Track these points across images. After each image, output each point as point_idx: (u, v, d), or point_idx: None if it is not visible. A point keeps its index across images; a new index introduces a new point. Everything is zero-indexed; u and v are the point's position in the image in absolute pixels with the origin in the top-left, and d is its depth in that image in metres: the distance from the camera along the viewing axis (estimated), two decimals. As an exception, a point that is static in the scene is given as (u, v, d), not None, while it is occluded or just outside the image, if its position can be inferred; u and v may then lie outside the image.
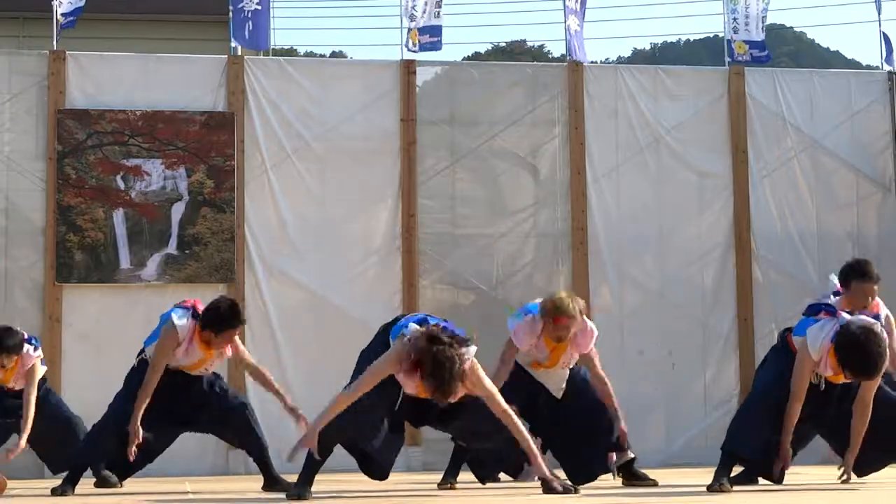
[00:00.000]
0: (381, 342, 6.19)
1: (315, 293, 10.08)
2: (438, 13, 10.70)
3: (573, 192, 10.57)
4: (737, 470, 6.62)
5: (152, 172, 10.05)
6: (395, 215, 10.34)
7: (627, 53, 46.85)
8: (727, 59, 11.06)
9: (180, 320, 6.98)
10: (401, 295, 10.13)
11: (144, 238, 9.98)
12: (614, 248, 10.56)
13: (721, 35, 11.47)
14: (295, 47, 22.38)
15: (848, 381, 6.35)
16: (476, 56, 28.82)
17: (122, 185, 10.01)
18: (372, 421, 6.08)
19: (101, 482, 7.25)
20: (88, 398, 8.54)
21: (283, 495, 6.24)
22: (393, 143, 10.40)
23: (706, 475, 6.62)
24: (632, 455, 7.14)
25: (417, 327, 5.88)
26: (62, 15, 10.14)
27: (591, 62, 11.12)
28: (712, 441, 8.53)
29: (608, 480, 7.07)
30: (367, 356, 6.17)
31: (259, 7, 10.49)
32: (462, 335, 5.84)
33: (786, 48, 38.74)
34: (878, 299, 7.20)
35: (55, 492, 6.89)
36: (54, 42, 10.10)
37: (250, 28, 10.49)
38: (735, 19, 11.08)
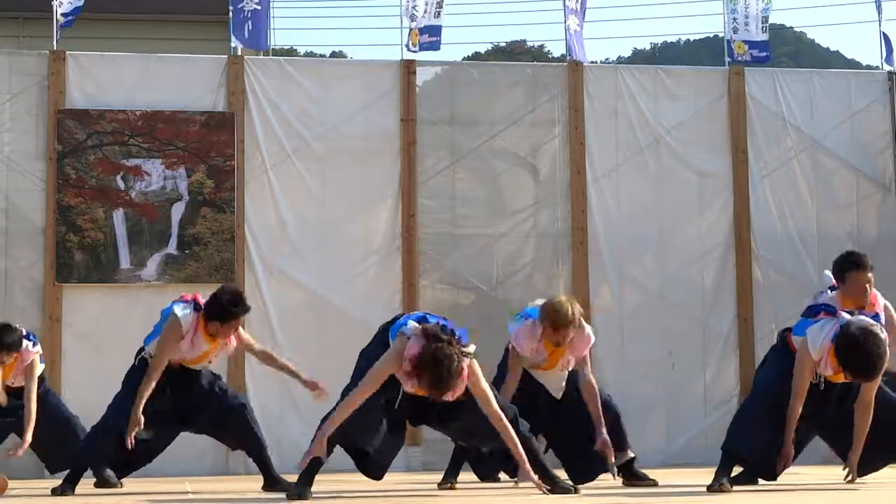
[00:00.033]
0: (380, 342, 6.19)
1: (315, 293, 10.08)
2: (439, 13, 10.70)
3: (573, 192, 10.57)
4: (737, 470, 6.62)
5: (152, 172, 10.05)
6: (395, 215, 10.34)
7: (627, 53, 46.85)
8: (727, 59, 11.06)
9: (183, 312, 6.98)
10: (401, 295, 10.13)
11: (144, 238, 9.98)
12: (614, 248, 10.56)
13: (721, 35, 11.47)
14: (295, 47, 22.38)
15: (848, 381, 6.35)
16: (476, 56, 28.80)
17: (122, 185, 10.01)
18: (371, 420, 6.09)
19: (102, 482, 7.25)
20: (88, 398, 8.55)
21: (283, 495, 6.24)
22: (393, 143, 10.40)
23: (706, 475, 6.62)
24: (632, 455, 7.14)
25: (417, 325, 5.90)
26: (62, 15, 10.14)
27: (591, 62, 11.12)
28: (712, 441, 8.53)
29: (608, 480, 7.06)
30: (367, 356, 6.18)
31: (258, 7, 10.50)
32: (461, 333, 5.85)
33: (786, 48, 38.73)
34: (875, 290, 7.19)
35: (55, 492, 6.90)
36: (54, 42, 10.11)
37: (250, 28, 10.49)
38: (735, 19, 11.07)
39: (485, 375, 6.08)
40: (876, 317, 6.69)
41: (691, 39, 38.15)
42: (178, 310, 7.00)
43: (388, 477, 6.39)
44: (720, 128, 10.86)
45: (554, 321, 6.75)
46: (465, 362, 5.77)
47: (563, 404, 7.08)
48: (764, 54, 11.09)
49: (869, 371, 6.11)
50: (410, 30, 10.64)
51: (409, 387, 5.91)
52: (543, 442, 6.84)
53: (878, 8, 11.36)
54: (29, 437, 7.84)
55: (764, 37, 11.09)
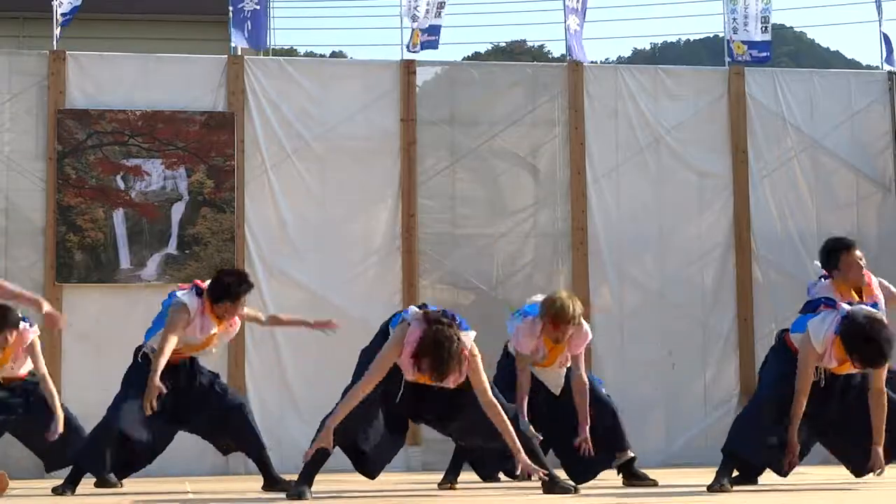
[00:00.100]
0: (381, 339, 6.20)
1: (315, 293, 10.07)
2: (440, 13, 10.70)
3: (573, 192, 10.57)
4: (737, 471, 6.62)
5: (152, 172, 10.05)
6: (395, 215, 10.34)
7: (627, 53, 46.86)
8: (727, 59, 11.06)
9: (186, 296, 6.99)
10: (401, 295, 10.13)
11: (144, 238, 9.98)
12: (614, 248, 10.56)
13: (721, 35, 11.47)
14: (295, 47, 22.37)
15: (854, 371, 6.34)
16: (476, 56, 28.78)
17: (122, 185, 10.01)
18: (369, 419, 6.09)
19: (102, 482, 7.24)
20: (88, 398, 8.56)
21: (283, 495, 6.24)
22: (393, 143, 10.40)
23: (706, 475, 6.62)
24: (632, 455, 7.14)
25: (417, 310, 5.95)
26: (62, 15, 10.15)
27: (591, 62, 11.11)
28: (712, 441, 8.54)
29: (608, 480, 7.07)
30: (369, 355, 6.19)
31: (258, 7, 10.50)
32: (462, 321, 5.89)
33: (786, 48, 38.71)
34: (866, 270, 7.21)
35: (56, 491, 6.92)
36: (54, 42, 10.11)
37: (249, 28, 10.49)
38: (734, 19, 11.07)
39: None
40: (875, 305, 6.70)
41: (691, 39, 38.15)
42: (182, 295, 7.01)
43: (387, 477, 6.40)
44: (720, 128, 10.85)
45: (554, 318, 6.77)
46: (466, 346, 5.80)
47: (562, 401, 7.08)
48: (764, 54, 11.08)
49: (878, 357, 6.10)
50: (412, 30, 10.62)
51: (411, 374, 5.93)
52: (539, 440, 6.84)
53: (878, 8, 11.35)
54: (60, 412, 7.86)
55: (765, 37, 11.08)
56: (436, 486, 7.19)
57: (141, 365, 7.11)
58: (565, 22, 10.78)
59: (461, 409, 6.18)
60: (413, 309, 6.04)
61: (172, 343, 6.92)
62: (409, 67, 10.50)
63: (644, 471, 7.17)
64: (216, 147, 10.10)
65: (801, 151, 10.94)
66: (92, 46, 10.82)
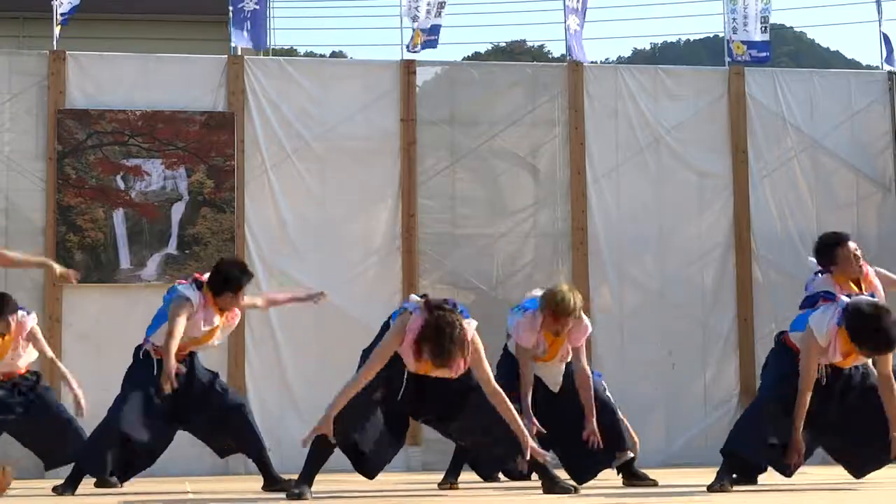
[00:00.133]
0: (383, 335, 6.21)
1: (315, 293, 10.07)
2: (440, 13, 10.70)
3: (573, 192, 10.57)
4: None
5: (152, 172, 10.05)
6: (395, 215, 10.34)
7: (627, 53, 46.85)
8: (727, 59, 11.06)
9: (188, 290, 6.99)
10: (401, 295, 10.11)
11: (144, 238, 9.98)
12: (614, 248, 10.56)
13: (721, 35, 11.47)
14: (295, 47, 22.36)
15: (859, 362, 6.33)
16: (476, 56, 28.78)
17: (122, 185, 10.01)
18: (368, 418, 6.09)
19: (102, 482, 7.25)
20: (88, 398, 8.54)
21: (283, 495, 6.23)
22: (393, 143, 10.40)
23: (706, 475, 6.62)
24: (631, 455, 7.14)
25: (418, 298, 5.96)
26: (61, 14, 10.15)
27: (591, 62, 11.11)
28: (712, 441, 8.55)
29: (608, 480, 7.07)
30: (370, 352, 6.20)
31: (258, 7, 10.50)
32: (463, 310, 5.90)
33: (786, 48, 38.72)
34: (863, 261, 7.22)
35: (56, 490, 6.92)
36: (54, 42, 10.11)
37: (249, 28, 10.49)
38: (734, 19, 11.07)
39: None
40: (872, 295, 6.70)
41: (691, 39, 38.13)
42: (183, 289, 7.01)
43: (387, 477, 6.40)
44: (720, 128, 10.85)
45: (555, 311, 6.78)
46: (468, 332, 5.81)
47: (561, 399, 7.08)
48: (764, 54, 11.08)
49: (886, 344, 6.10)
50: (414, 31, 10.61)
51: (413, 364, 5.93)
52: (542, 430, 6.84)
53: (878, 8, 11.36)
54: (79, 390, 7.89)
55: (764, 37, 11.08)
56: (436, 486, 7.19)
57: (143, 362, 7.11)
58: (565, 22, 10.78)
59: (462, 410, 6.18)
60: (414, 297, 6.06)
61: (181, 330, 6.90)
62: (409, 67, 10.51)
63: (644, 471, 7.17)
64: (216, 147, 10.10)
65: (801, 151, 10.94)
66: (92, 46, 10.83)
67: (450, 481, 7.19)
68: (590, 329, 7.08)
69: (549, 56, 32.39)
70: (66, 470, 7.31)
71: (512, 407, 6.11)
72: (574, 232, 10.50)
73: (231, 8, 10.51)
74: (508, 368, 7.09)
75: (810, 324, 6.28)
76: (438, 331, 5.70)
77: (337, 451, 6.15)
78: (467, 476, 7.38)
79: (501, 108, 10.66)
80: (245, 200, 10.12)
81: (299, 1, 17.84)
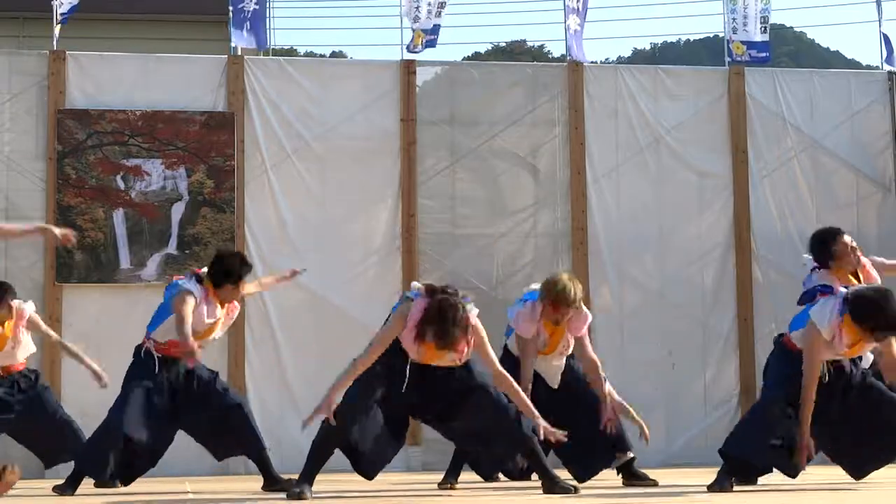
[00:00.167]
0: None
1: (315, 293, 10.08)
2: (440, 13, 10.70)
3: (573, 192, 10.57)
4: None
5: (152, 172, 10.05)
6: (395, 215, 10.34)
7: (627, 53, 46.82)
8: (727, 59, 11.06)
9: (189, 284, 6.99)
10: (400, 295, 10.11)
11: (144, 238, 9.98)
12: (614, 248, 10.56)
13: (721, 35, 11.47)
14: (295, 47, 22.34)
15: (867, 349, 6.33)
16: (476, 56, 28.77)
17: (122, 185, 10.01)
18: (368, 419, 6.09)
19: (102, 483, 7.24)
20: (88, 398, 8.54)
21: (283, 495, 6.23)
22: (393, 143, 10.40)
23: (706, 475, 6.62)
24: (631, 455, 7.14)
25: (419, 285, 5.99)
26: (61, 14, 10.15)
27: (591, 62, 11.11)
28: (712, 441, 8.54)
29: (608, 480, 7.07)
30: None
31: (258, 7, 10.50)
32: (466, 298, 5.96)
33: (786, 48, 38.71)
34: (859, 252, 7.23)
35: (56, 490, 6.93)
36: (54, 42, 10.11)
37: (249, 28, 10.49)
38: (734, 19, 11.07)
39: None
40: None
41: (691, 39, 38.12)
42: (184, 283, 7.01)
43: (387, 477, 6.40)
44: (720, 128, 10.86)
45: (554, 299, 6.79)
46: (471, 316, 5.84)
47: (560, 396, 7.08)
48: (763, 55, 11.08)
49: (892, 323, 6.09)
50: (414, 31, 10.60)
51: (415, 351, 5.93)
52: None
53: (878, 8, 11.36)
54: (93, 363, 7.93)
55: (764, 37, 11.08)
56: (436, 486, 7.20)
57: (144, 361, 7.09)
58: (565, 22, 10.78)
59: (462, 410, 6.18)
60: (416, 284, 6.10)
61: (190, 316, 6.87)
62: (409, 67, 10.51)
63: (644, 471, 7.18)
64: (216, 147, 10.10)
65: (801, 151, 10.94)
66: (92, 46, 10.83)
67: (450, 481, 7.19)
68: (590, 318, 7.12)
69: (549, 56, 32.37)
70: (67, 470, 7.32)
71: (519, 389, 6.16)
72: (574, 232, 10.50)
73: (231, 8, 10.51)
74: (508, 368, 7.06)
75: (812, 318, 6.27)
76: (441, 313, 5.75)
77: (337, 451, 6.16)
78: (467, 476, 7.38)
79: (501, 108, 10.66)
80: (245, 200, 10.12)
81: (299, 1, 17.82)
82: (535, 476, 6.61)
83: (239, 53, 10.54)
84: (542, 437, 6.12)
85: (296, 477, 6.26)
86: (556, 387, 7.11)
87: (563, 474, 6.62)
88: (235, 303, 7.25)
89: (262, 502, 6.29)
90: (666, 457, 10.00)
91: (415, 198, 10.35)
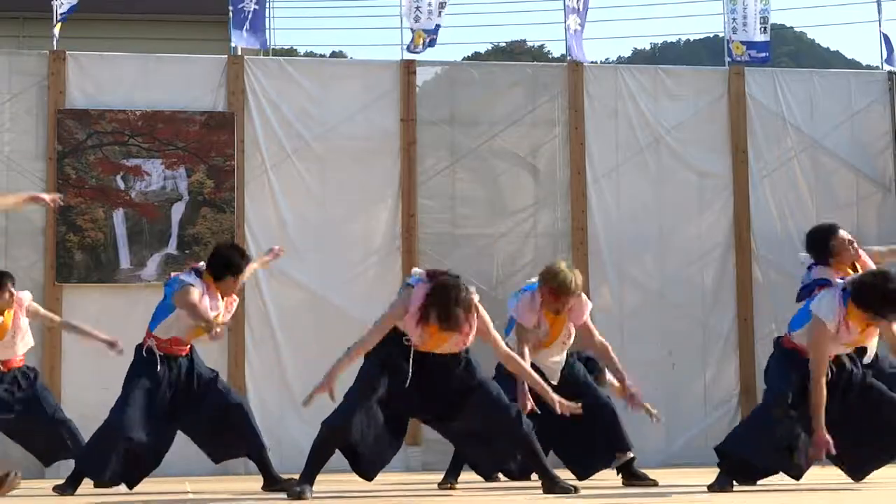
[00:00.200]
0: (387, 337, 6.22)
1: (315, 293, 10.08)
2: (440, 13, 10.69)
3: (573, 192, 10.57)
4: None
5: (152, 172, 10.05)
6: (395, 215, 10.34)
7: (627, 53, 46.81)
8: (727, 59, 11.06)
9: (190, 278, 6.99)
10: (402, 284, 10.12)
11: (144, 238, 9.98)
12: (614, 248, 10.56)
13: (721, 35, 11.47)
14: (295, 47, 22.33)
15: (875, 335, 6.33)
16: (476, 56, 28.76)
17: (122, 185, 10.01)
18: (368, 420, 6.09)
19: (101, 483, 7.23)
20: (88, 398, 8.56)
21: (283, 495, 6.23)
22: (393, 143, 10.41)
23: (706, 475, 6.63)
24: (631, 455, 7.15)
25: (420, 271, 6.02)
26: (61, 14, 10.14)
27: (591, 62, 11.11)
28: (712, 441, 8.49)
29: (608, 480, 7.07)
30: (375, 353, 6.20)
31: (258, 7, 10.50)
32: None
33: (786, 48, 38.69)
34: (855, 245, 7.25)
35: (56, 489, 6.93)
36: (54, 42, 10.11)
37: (249, 28, 10.49)
38: (734, 20, 11.07)
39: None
40: None
41: (691, 39, 38.11)
42: (185, 277, 7.02)
43: (388, 477, 6.39)
44: (720, 128, 10.86)
45: (556, 289, 6.82)
46: (474, 296, 5.86)
47: (560, 394, 7.08)
48: (763, 55, 11.08)
49: None
50: (415, 31, 10.59)
51: (418, 336, 5.93)
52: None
53: (878, 8, 11.36)
54: (102, 335, 7.98)
55: (764, 37, 11.08)
56: (436, 486, 7.20)
57: (145, 360, 7.07)
58: (565, 22, 10.79)
59: (462, 410, 6.18)
60: (416, 270, 6.14)
61: (200, 304, 6.90)
62: (409, 67, 10.51)
63: (644, 471, 7.18)
64: (216, 147, 10.10)
65: (801, 151, 10.94)
66: (92, 46, 10.83)
67: (450, 481, 7.19)
68: (590, 305, 7.17)
69: (549, 56, 32.36)
70: (67, 469, 7.31)
71: (529, 369, 6.20)
72: (574, 232, 10.50)
73: (231, 8, 10.51)
74: (506, 375, 7.03)
75: (815, 312, 6.26)
76: (444, 294, 5.79)
77: (337, 451, 6.16)
78: (467, 476, 7.38)
79: (501, 108, 10.66)
80: (245, 200, 10.13)
81: (299, 1, 17.81)
82: (535, 476, 6.60)
83: (239, 53, 10.54)
84: (558, 412, 6.16)
85: (296, 477, 6.26)
86: (555, 382, 7.12)
87: (563, 474, 6.61)
88: (234, 295, 7.26)
89: (262, 502, 6.29)
90: (666, 457, 10.00)
91: (415, 198, 10.35)
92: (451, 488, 7.08)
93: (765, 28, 11.11)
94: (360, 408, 6.02)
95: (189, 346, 7.22)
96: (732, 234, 10.73)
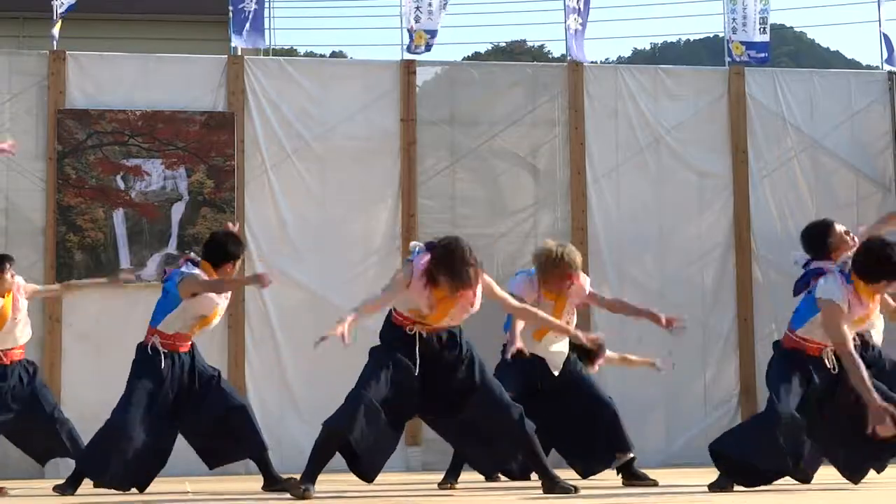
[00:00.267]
0: (390, 329, 6.22)
1: (315, 293, 10.08)
2: (441, 13, 10.69)
3: (573, 192, 10.57)
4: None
5: (152, 172, 10.05)
6: (395, 215, 10.34)
7: (627, 53, 46.84)
8: (727, 59, 11.06)
9: (190, 269, 7.00)
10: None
11: (144, 238, 9.98)
12: (614, 248, 10.56)
13: (721, 35, 11.47)
14: (295, 47, 22.35)
15: (878, 304, 6.41)
16: (476, 56, 28.79)
17: (122, 185, 10.01)
18: (369, 420, 6.09)
19: (101, 483, 7.23)
20: (88, 398, 8.56)
21: (283, 495, 6.23)
22: (393, 143, 10.41)
23: (706, 475, 6.62)
24: (632, 455, 7.15)
25: (419, 243, 6.05)
26: (60, 14, 10.14)
27: (591, 62, 11.11)
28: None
29: (608, 480, 7.07)
30: (379, 352, 6.22)
31: (257, 7, 10.50)
32: None
33: (786, 48, 38.69)
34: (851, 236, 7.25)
35: (56, 489, 6.93)
36: (54, 42, 10.11)
37: (249, 28, 10.49)
38: (734, 20, 11.07)
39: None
40: None
41: (691, 39, 38.13)
42: (186, 269, 7.02)
43: (388, 477, 6.39)
44: (720, 128, 10.86)
45: (550, 271, 6.95)
46: (477, 257, 5.89)
47: (562, 395, 7.08)
48: (763, 55, 11.08)
49: None
50: (414, 31, 10.59)
51: (426, 303, 5.96)
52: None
53: (878, 8, 11.36)
54: (104, 279, 8.15)
55: (763, 38, 11.08)
56: (436, 486, 7.20)
57: (148, 358, 7.04)
58: (565, 22, 10.79)
59: (463, 409, 6.18)
60: (415, 242, 6.19)
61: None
62: (409, 67, 10.51)
63: (644, 471, 7.18)
64: (216, 147, 10.10)
65: (801, 151, 10.94)
66: (92, 46, 10.83)
67: (450, 481, 7.19)
68: (588, 279, 7.40)
69: (549, 56, 32.38)
70: (67, 469, 7.31)
71: (545, 315, 6.25)
72: (574, 232, 10.49)
73: (231, 8, 10.51)
74: (507, 372, 7.02)
75: (823, 297, 6.29)
76: (450, 254, 5.87)
77: (337, 451, 6.16)
78: (467, 476, 7.38)
79: (501, 108, 10.66)
80: (245, 200, 10.13)
81: (299, 1, 17.81)
82: (535, 476, 6.60)
83: (239, 53, 10.54)
84: (587, 345, 6.25)
85: (296, 477, 6.26)
86: (556, 373, 7.13)
87: (564, 474, 6.61)
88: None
89: (262, 502, 6.29)
90: (666, 457, 10.00)
91: (415, 198, 10.35)
92: (451, 488, 7.08)
93: (764, 28, 11.10)
94: (361, 409, 6.01)
95: (191, 343, 7.22)
96: (732, 234, 10.73)
